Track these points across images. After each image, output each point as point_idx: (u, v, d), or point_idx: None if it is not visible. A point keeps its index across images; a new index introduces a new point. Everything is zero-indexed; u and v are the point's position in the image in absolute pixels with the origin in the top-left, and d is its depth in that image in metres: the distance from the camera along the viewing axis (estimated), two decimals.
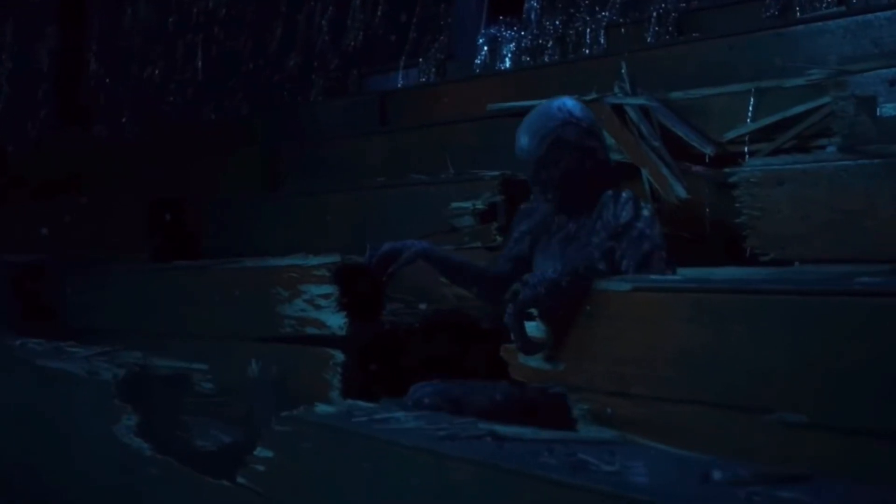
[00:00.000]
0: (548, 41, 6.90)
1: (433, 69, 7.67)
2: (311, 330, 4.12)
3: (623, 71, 4.95)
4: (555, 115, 3.57)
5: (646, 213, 3.49)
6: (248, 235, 5.87)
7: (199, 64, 9.98)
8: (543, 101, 3.69)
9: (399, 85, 7.90)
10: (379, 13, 8.49)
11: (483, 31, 7.31)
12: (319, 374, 4.00)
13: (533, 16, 7.12)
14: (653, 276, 3.12)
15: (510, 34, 7.15)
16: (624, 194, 3.54)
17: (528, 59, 6.97)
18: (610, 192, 3.56)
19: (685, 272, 3.08)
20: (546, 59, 6.83)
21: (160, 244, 6.10)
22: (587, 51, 6.68)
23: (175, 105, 10.06)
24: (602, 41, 6.63)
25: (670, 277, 3.05)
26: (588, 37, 6.70)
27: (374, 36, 8.52)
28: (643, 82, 5.08)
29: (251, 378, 4.11)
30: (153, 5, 10.79)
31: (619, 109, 4.79)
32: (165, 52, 10.38)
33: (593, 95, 4.78)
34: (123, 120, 10.59)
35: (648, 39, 6.37)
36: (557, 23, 6.89)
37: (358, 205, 5.32)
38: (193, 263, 4.95)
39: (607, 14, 6.76)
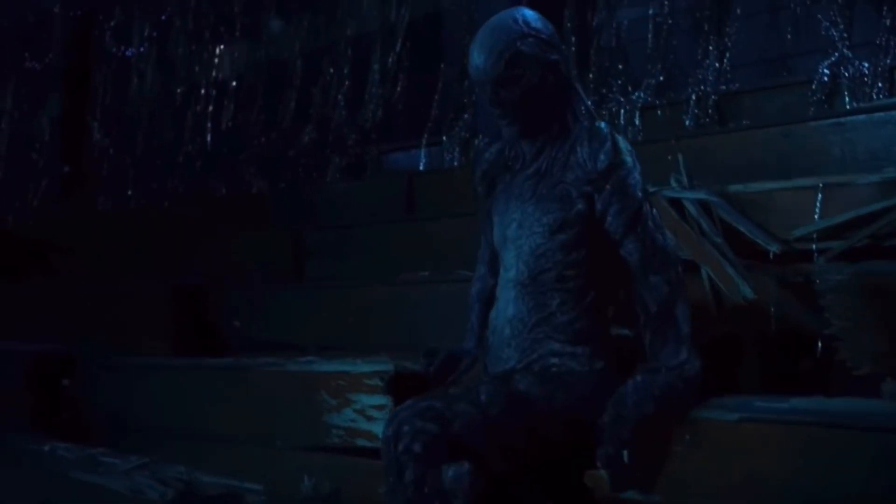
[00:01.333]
0: None
1: (457, 148, 7.43)
2: (361, 442, 3.89)
3: (680, 162, 4.73)
4: (511, 28, 3.21)
5: (628, 158, 3.21)
6: (278, 326, 5.63)
7: (208, 136, 9.76)
8: (496, 14, 3.33)
9: (422, 163, 7.68)
10: (398, 88, 8.28)
11: None
12: (374, 490, 3.74)
13: None
14: (758, 404, 2.89)
15: None
16: (602, 130, 3.22)
17: None
18: (585, 124, 3.29)
19: (797, 402, 2.86)
20: None
21: (182, 333, 5.84)
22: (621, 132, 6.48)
23: (183, 178, 9.83)
24: (637, 123, 6.44)
25: (782, 406, 2.83)
26: (622, 118, 6.51)
27: (393, 112, 8.29)
28: (692, 171, 4.89)
29: (304, 494, 3.85)
30: (160, 75, 10.62)
31: (676, 203, 4.58)
32: (173, 122, 10.17)
33: (649, 187, 4.56)
34: (129, 192, 10.36)
35: (686, 122, 6.19)
36: (589, 103, 6.68)
37: (399, 299, 5.07)
38: (231, 363, 4.69)
39: (642, 95, 6.57)
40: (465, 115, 7.55)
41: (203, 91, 9.98)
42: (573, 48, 7.05)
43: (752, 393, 3.79)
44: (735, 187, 4.63)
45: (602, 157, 3.17)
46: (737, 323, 4.30)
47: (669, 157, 5.33)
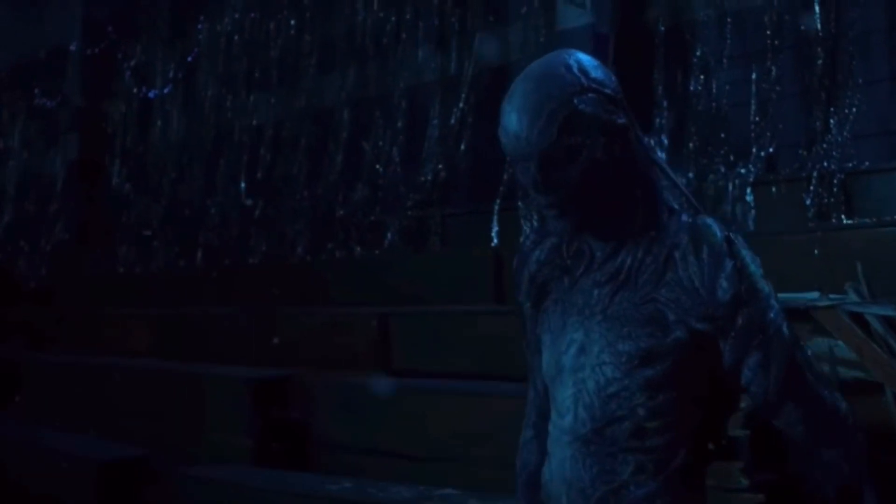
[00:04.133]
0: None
1: (536, 215, 6.82)
2: None
3: (859, 271, 4.24)
4: (565, 78, 2.25)
5: (762, 284, 2.24)
6: (372, 430, 5.10)
7: (243, 186, 9.21)
8: (539, 59, 2.34)
9: (494, 231, 7.12)
10: (462, 147, 7.72)
11: None
12: None
13: None
14: None
15: None
16: (715, 237, 2.25)
17: None
18: (685, 219, 2.31)
19: None
20: None
21: (267, 431, 5.31)
22: (729, 207, 5.97)
23: (215, 230, 9.26)
24: (749, 200, 5.93)
25: None
26: (730, 194, 6.00)
27: (456, 172, 7.73)
28: (841, 269, 4.41)
29: None
30: (188, 118, 10.07)
31: (858, 317, 4.08)
32: (205, 171, 9.61)
33: (824, 302, 4.06)
34: (154, 243, 9.79)
35: (807, 202, 5.69)
36: (691, 175, 6.19)
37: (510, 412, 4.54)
38: (355, 492, 4.14)
39: (752, 168, 6.07)
40: None
41: (236, 138, 9.43)
42: (665, 112, 6.56)
43: None
44: None
45: (724, 283, 2.23)
46: None
47: (816, 251, 4.87)
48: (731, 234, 2.26)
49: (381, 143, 8.20)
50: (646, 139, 2.39)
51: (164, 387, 5.98)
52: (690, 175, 6.21)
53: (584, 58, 2.31)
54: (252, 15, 9.49)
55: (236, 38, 9.66)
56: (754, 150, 6.21)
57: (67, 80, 11.40)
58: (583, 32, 6.74)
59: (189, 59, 10.14)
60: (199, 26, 10.04)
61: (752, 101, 6.32)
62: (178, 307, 7.60)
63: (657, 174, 2.37)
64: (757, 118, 6.26)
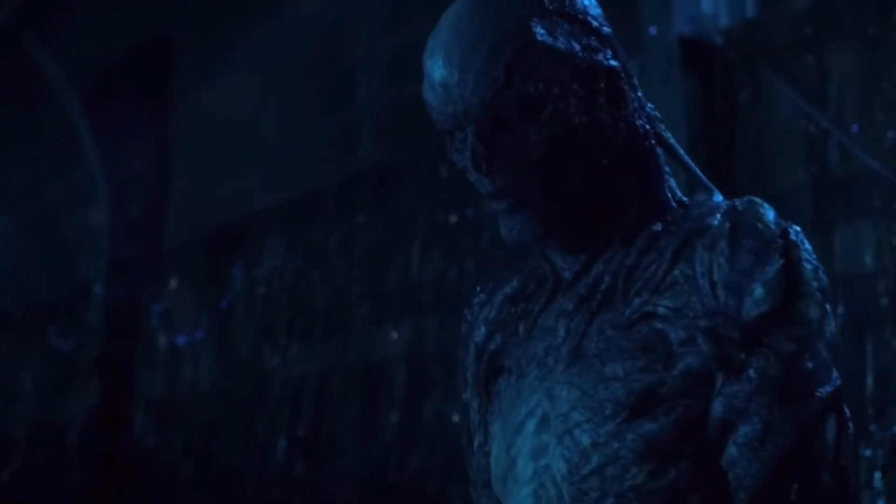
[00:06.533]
0: None
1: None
2: None
3: None
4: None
5: (815, 312, 1.43)
6: None
7: (283, 444, 8.64)
8: None
9: None
10: None
11: None
12: None
13: None
14: None
15: None
16: (766, 217, 1.47)
17: None
18: (719, 201, 1.57)
19: None
20: None
21: None
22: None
23: (253, 491, 8.65)
24: (878, 486, 5.40)
25: None
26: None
27: None
28: None
29: None
30: (221, 367, 9.56)
31: None
32: (240, 425, 9.05)
33: None
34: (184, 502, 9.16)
35: None
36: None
37: None
38: None
39: (877, 452, 5.56)
40: None
41: (276, 390, 8.91)
42: None
43: None
44: None
45: (759, 290, 1.41)
46: None
47: None
48: (788, 225, 1.47)
49: (439, 405, 7.68)
50: (648, 103, 1.61)
51: None
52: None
53: None
54: (295, 263, 9.10)
55: (276, 284, 9.25)
56: (872, 429, 5.72)
57: (88, 321, 10.96)
58: None
59: (223, 304, 9.68)
60: (235, 272, 9.63)
61: (868, 374, 5.86)
62: None
63: (659, 155, 1.60)
64: (877, 392, 5.80)
